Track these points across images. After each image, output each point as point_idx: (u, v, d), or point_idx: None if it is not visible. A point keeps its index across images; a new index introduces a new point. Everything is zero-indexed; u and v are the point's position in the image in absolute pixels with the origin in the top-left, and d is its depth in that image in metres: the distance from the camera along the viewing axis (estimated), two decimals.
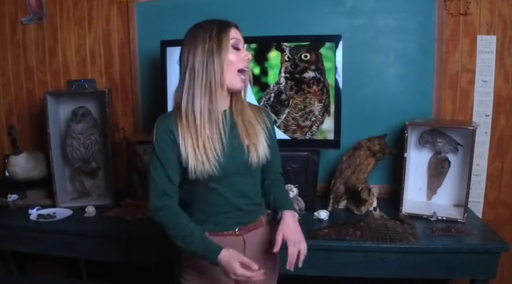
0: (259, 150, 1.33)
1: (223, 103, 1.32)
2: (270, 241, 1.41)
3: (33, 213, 2.06)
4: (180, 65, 1.30)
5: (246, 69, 1.32)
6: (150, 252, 1.88)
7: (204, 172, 1.25)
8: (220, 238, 1.33)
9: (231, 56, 1.27)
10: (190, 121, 1.26)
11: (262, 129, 1.37)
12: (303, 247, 1.29)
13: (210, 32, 1.27)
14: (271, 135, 1.40)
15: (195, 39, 1.27)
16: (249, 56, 1.32)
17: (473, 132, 1.84)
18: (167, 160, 1.28)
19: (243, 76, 1.31)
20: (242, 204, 1.35)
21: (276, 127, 2.01)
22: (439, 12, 2.10)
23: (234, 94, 1.35)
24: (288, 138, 2.04)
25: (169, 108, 2.07)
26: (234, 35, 1.29)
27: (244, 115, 1.35)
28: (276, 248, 1.27)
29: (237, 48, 1.29)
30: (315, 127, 2.02)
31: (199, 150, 1.25)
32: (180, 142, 1.26)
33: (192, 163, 1.25)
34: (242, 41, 1.32)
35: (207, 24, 1.29)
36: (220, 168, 1.26)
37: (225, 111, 1.33)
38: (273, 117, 1.48)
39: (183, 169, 1.28)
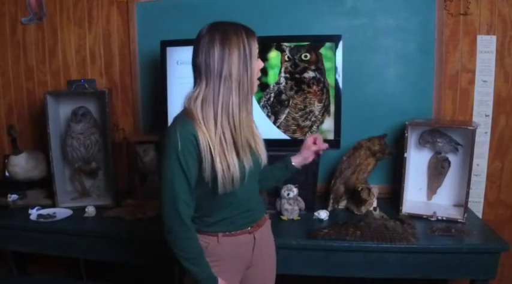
0: (263, 150, 1.36)
1: None
2: (272, 236, 1.52)
3: (33, 213, 2.06)
4: (205, 69, 1.23)
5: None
6: (150, 252, 1.88)
7: (235, 181, 1.24)
8: (234, 238, 1.34)
9: (258, 64, 1.29)
10: (223, 132, 1.23)
11: (257, 129, 1.39)
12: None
13: (242, 38, 1.24)
14: None
15: (230, 45, 1.22)
16: (262, 64, 1.33)
17: (473, 132, 1.84)
18: (189, 170, 1.22)
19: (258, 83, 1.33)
20: (251, 203, 1.37)
21: (276, 128, 2.04)
22: (439, 12, 2.10)
23: None
24: (288, 138, 2.04)
25: (169, 108, 2.09)
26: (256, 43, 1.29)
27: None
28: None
29: (258, 57, 1.30)
30: (315, 127, 2.02)
31: (231, 163, 1.22)
32: (205, 155, 1.21)
33: (221, 177, 1.22)
34: None
35: (235, 28, 1.25)
36: (248, 174, 1.28)
37: None
38: None
39: (204, 182, 1.24)
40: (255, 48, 1.27)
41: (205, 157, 1.21)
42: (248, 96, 1.26)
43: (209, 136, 1.21)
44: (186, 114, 1.25)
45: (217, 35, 1.23)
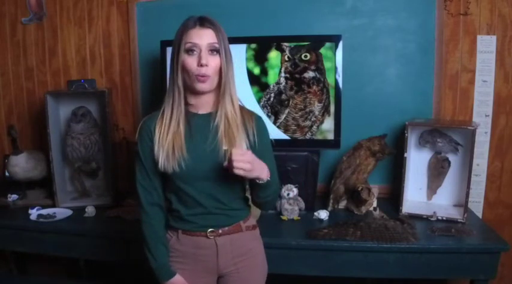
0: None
1: (199, 104, 1.32)
2: (251, 248, 1.40)
3: (33, 213, 2.06)
4: None
5: (205, 75, 1.25)
6: None
7: (168, 167, 1.27)
8: (192, 238, 1.35)
9: (186, 59, 1.26)
10: (166, 117, 1.31)
11: (244, 137, 1.31)
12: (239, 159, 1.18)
13: (179, 30, 1.29)
14: (257, 145, 1.33)
15: (175, 36, 1.29)
16: (203, 62, 1.24)
17: (473, 132, 1.84)
18: (146, 158, 1.32)
19: (201, 80, 1.25)
20: (213, 208, 1.33)
21: (276, 128, 2.03)
22: (439, 12, 2.10)
23: (221, 97, 1.30)
24: (288, 138, 2.04)
25: None
26: (192, 38, 1.25)
27: (230, 120, 1.30)
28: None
29: (191, 51, 1.25)
30: (315, 127, 2.02)
31: (167, 144, 1.28)
32: (155, 137, 1.30)
33: (160, 156, 1.28)
34: (204, 43, 1.25)
35: (186, 20, 1.30)
36: (186, 167, 1.27)
37: (210, 113, 1.32)
38: (263, 124, 1.40)
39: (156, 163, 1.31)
40: (184, 42, 1.25)
41: (156, 138, 1.29)
42: (176, 88, 1.29)
43: (163, 119, 1.30)
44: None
45: None
